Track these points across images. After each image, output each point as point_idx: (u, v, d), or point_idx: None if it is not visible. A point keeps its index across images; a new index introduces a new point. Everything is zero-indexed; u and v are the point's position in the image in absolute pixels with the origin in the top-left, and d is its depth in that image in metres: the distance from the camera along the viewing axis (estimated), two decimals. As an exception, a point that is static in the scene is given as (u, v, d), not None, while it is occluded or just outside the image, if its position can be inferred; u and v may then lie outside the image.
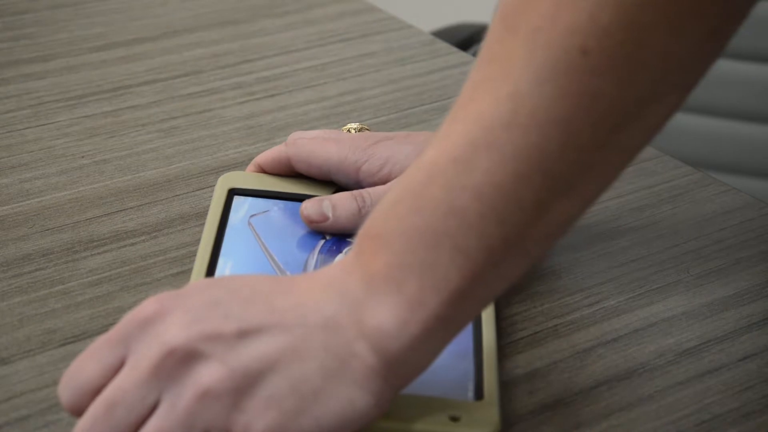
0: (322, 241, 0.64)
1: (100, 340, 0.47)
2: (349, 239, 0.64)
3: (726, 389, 0.56)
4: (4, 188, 0.71)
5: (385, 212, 0.47)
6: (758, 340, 0.60)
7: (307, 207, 0.64)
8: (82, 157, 0.75)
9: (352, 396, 0.46)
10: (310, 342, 0.46)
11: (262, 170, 0.68)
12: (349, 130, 0.72)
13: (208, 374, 0.45)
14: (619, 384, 0.56)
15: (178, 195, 0.71)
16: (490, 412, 0.52)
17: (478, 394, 0.53)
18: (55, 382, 0.55)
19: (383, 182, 0.65)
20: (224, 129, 0.79)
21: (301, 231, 0.64)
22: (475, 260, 0.45)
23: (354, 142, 0.66)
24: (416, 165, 0.47)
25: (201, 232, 0.65)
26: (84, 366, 0.47)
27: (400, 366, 0.47)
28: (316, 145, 0.67)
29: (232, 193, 0.66)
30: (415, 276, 0.46)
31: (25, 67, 0.88)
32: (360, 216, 0.64)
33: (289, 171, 0.68)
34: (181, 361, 0.45)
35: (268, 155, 0.68)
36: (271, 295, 0.48)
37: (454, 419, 0.51)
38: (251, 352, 0.46)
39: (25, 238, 0.66)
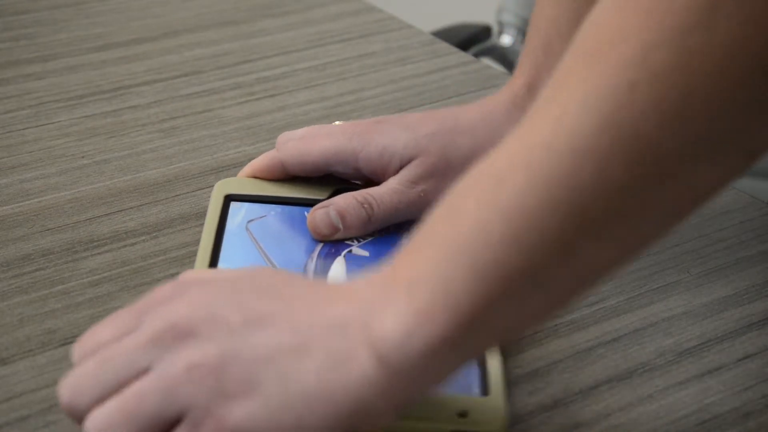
0: (320, 245, 0.64)
1: (121, 310, 0.49)
2: (347, 242, 0.64)
3: (726, 389, 0.56)
4: (4, 188, 0.71)
5: (426, 222, 0.46)
6: (758, 340, 0.60)
7: (316, 219, 0.64)
8: (82, 157, 0.75)
9: (341, 403, 0.45)
10: (313, 342, 0.46)
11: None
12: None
13: (201, 352, 0.46)
14: (619, 384, 0.56)
15: (178, 195, 0.71)
16: (497, 407, 0.52)
17: (485, 390, 0.53)
18: (55, 382, 0.55)
19: (384, 169, 0.65)
20: (224, 129, 0.79)
21: (298, 235, 0.64)
22: (489, 286, 0.43)
23: (346, 131, 0.66)
24: (466, 174, 0.45)
25: (201, 232, 0.65)
26: (100, 329, 0.49)
27: (400, 381, 0.45)
28: (307, 143, 0.66)
29: (229, 199, 0.66)
30: (429, 289, 0.44)
31: (25, 67, 0.88)
32: (370, 223, 0.64)
33: (284, 176, 0.67)
34: (179, 335, 0.46)
35: (261, 163, 0.67)
36: (294, 297, 0.48)
37: (462, 415, 0.51)
38: (250, 341, 0.46)
39: (25, 238, 0.66)
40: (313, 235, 0.64)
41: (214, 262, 0.61)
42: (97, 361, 0.47)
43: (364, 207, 0.63)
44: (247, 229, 0.64)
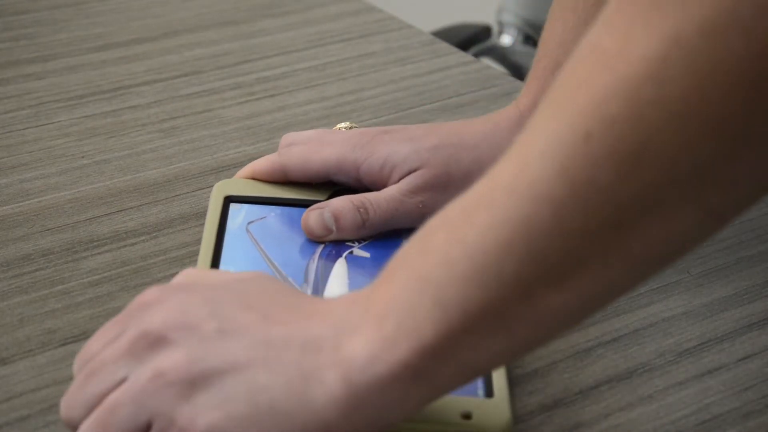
0: (321, 246, 0.64)
1: (109, 321, 0.50)
2: (348, 243, 0.64)
3: (726, 389, 0.56)
4: (4, 188, 0.71)
5: (407, 246, 0.47)
6: (758, 340, 0.60)
7: (309, 219, 0.64)
8: (82, 157, 0.75)
9: (307, 421, 0.45)
10: (285, 357, 0.46)
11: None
12: (340, 130, 0.71)
13: (169, 360, 0.46)
14: (619, 384, 0.56)
15: (178, 195, 0.71)
16: (501, 408, 0.52)
17: (489, 391, 0.53)
18: (55, 382, 0.55)
19: (384, 181, 0.65)
20: (224, 129, 0.79)
21: (299, 236, 0.64)
22: (450, 318, 0.43)
23: (350, 140, 0.66)
24: (450, 202, 0.46)
25: (201, 232, 0.65)
26: (92, 342, 0.50)
27: (364, 403, 0.45)
28: (310, 151, 0.66)
29: (228, 200, 0.66)
30: (395, 315, 0.45)
31: (25, 67, 0.88)
32: (364, 228, 0.64)
33: (284, 180, 0.67)
34: (151, 344, 0.47)
35: (262, 167, 0.67)
36: (274, 310, 0.48)
37: (466, 417, 0.51)
38: (220, 351, 0.46)
39: (25, 238, 0.66)
40: (306, 235, 0.64)
41: (215, 264, 0.61)
42: (84, 375, 0.48)
43: (359, 211, 0.64)
44: (247, 230, 0.64)
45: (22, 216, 0.68)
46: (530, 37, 1.77)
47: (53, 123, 0.80)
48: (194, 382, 0.46)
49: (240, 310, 0.48)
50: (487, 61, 1.87)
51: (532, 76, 0.68)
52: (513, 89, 0.87)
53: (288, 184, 0.67)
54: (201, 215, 0.69)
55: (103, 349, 0.49)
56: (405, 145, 0.65)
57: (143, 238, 0.67)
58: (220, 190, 0.67)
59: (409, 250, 0.46)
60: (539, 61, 0.68)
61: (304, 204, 0.66)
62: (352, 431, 0.46)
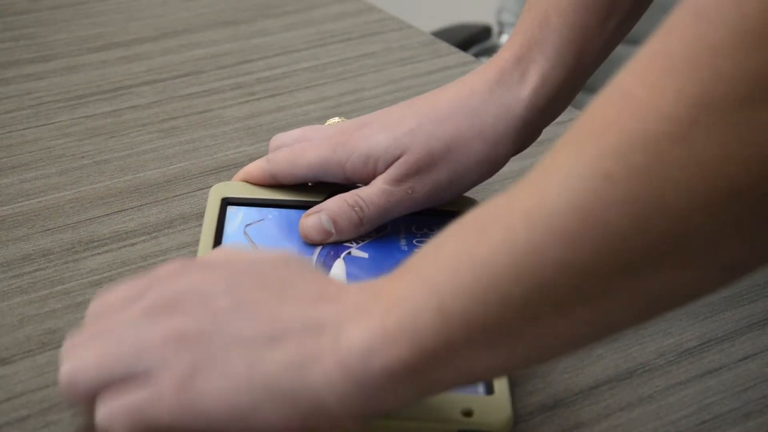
0: (319, 247, 0.64)
1: (134, 279, 0.52)
2: (347, 244, 0.64)
3: (726, 389, 0.56)
4: (4, 188, 0.71)
5: (422, 249, 0.47)
6: (758, 340, 0.60)
7: (306, 225, 0.64)
8: (83, 157, 0.75)
9: (299, 400, 0.46)
10: (288, 337, 0.47)
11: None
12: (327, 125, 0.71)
13: (181, 325, 0.48)
14: (619, 384, 0.56)
15: (178, 195, 0.71)
16: (502, 406, 0.52)
17: (490, 388, 0.53)
18: (55, 382, 0.55)
19: (371, 176, 0.65)
20: (224, 129, 0.79)
21: (297, 238, 0.64)
22: (451, 328, 0.44)
23: (330, 140, 0.66)
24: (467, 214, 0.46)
25: (200, 233, 0.65)
26: (113, 293, 0.51)
27: (359, 391, 0.46)
28: (295, 155, 0.66)
29: (226, 202, 0.66)
30: (399, 313, 0.45)
31: (25, 67, 0.88)
32: (362, 225, 0.64)
33: (276, 184, 0.67)
34: (167, 309, 0.49)
35: (253, 173, 0.68)
36: (289, 290, 0.49)
37: (467, 414, 0.52)
38: (227, 325, 0.48)
39: (25, 238, 0.66)
40: (305, 241, 0.64)
41: None
42: (97, 329, 0.50)
43: (354, 210, 0.64)
44: (245, 233, 0.64)
45: (22, 216, 0.68)
46: (530, 37, 1.76)
47: (53, 123, 0.80)
48: (199, 350, 0.47)
49: (255, 289, 0.49)
50: (487, 61, 1.86)
51: (517, 30, 0.66)
52: (513, 89, 0.87)
53: (283, 185, 0.67)
54: (201, 215, 0.69)
55: (119, 307, 0.50)
56: (383, 135, 0.65)
57: (143, 238, 0.67)
58: (217, 192, 0.67)
59: (423, 253, 0.47)
60: (528, 12, 0.66)
61: (302, 206, 0.66)
62: (348, 416, 0.46)
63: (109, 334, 0.49)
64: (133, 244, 0.66)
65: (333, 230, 0.64)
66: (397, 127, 0.65)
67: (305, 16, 0.99)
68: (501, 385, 0.53)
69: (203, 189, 0.72)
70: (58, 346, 0.57)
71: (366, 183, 0.65)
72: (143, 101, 0.83)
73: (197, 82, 0.86)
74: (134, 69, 0.88)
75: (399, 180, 0.64)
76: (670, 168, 0.39)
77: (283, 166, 0.66)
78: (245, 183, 0.68)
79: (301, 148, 0.66)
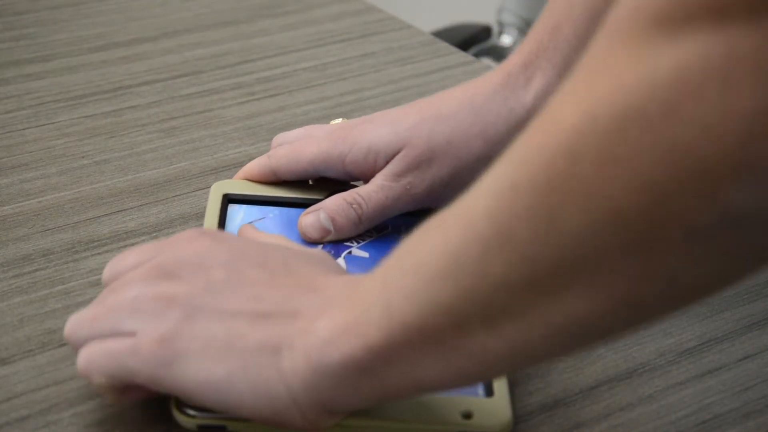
0: (320, 247, 0.64)
1: (152, 243, 0.55)
2: (347, 243, 0.64)
3: (726, 389, 0.56)
4: (4, 188, 0.71)
5: (400, 246, 0.48)
6: (758, 340, 0.60)
7: (305, 224, 0.64)
8: (82, 157, 0.75)
9: (271, 379, 0.48)
10: (270, 317, 0.49)
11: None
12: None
13: (172, 290, 0.50)
14: (619, 384, 0.56)
15: (178, 195, 0.71)
16: (502, 408, 0.52)
17: (489, 390, 0.53)
18: (55, 382, 0.55)
19: (371, 170, 0.65)
20: (224, 129, 0.79)
21: (298, 237, 0.64)
22: (393, 330, 0.45)
23: (332, 135, 0.66)
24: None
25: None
26: (128, 256, 0.54)
27: (322, 381, 0.47)
28: (296, 150, 0.66)
29: (227, 199, 0.66)
30: (357, 309, 0.46)
31: (25, 67, 0.88)
32: (361, 223, 0.64)
33: (276, 180, 0.68)
34: (163, 274, 0.51)
35: (253, 170, 0.68)
36: (282, 274, 0.51)
37: (467, 416, 0.52)
38: (216, 296, 0.50)
39: (25, 238, 0.66)
40: (304, 239, 0.64)
41: None
42: (109, 289, 0.53)
43: (353, 207, 0.64)
44: None
45: (22, 216, 0.68)
46: (530, 37, 1.77)
47: (53, 123, 0.80)
48: (186, 313, 0.49)
49: (252, 267, 0.51)
50: (487, 61, 1.87)
51: (529, 36, 0.67)
52: (513, 89, 0.87)
53: (284, 184, 0.68)
54: (201, 215, 0.69)
55: (130, 269, 0.53)
56: (385, 129, 0.65)
57: (143, 238, 0.67)
58: (218, 189, 0.67)
59: (396, 249, 0.47)
60: (542, 19, 0.66)
61: (303, 204, 0.66)
62: (314, 404, 0.48)
63: (110, 293, 0.52)
64: (133, 244, 0.66)
65: (332, 228, 0.64)
66: (399, 122, 0.65)
67: (305, 16, 0.99)
68: (501, 387, 0.53)
69: (203, 189, 0.72)
70: (58, 346, 0.57)
71: (366, 178, 0.66)
72: (143, 101, 0.83)
73: (197, 82, 0.86)
74: (134, 69, 0.88)
75: (398, 174, 0.64)
76: (558, 179, 0.39)
77: (284, 161, 0.67)
78: (246, 181, 0.68)
79: (301, 144, 0.67)
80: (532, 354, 0.44)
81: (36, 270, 0.63)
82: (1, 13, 0.97)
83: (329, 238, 0.64)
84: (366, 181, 0.66)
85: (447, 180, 0.64)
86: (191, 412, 0.51)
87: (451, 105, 0.65)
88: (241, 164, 0.71)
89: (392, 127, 0.65)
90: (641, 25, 0.37)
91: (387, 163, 0.64)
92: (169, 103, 0.83)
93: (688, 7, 0.36)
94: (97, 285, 0.62)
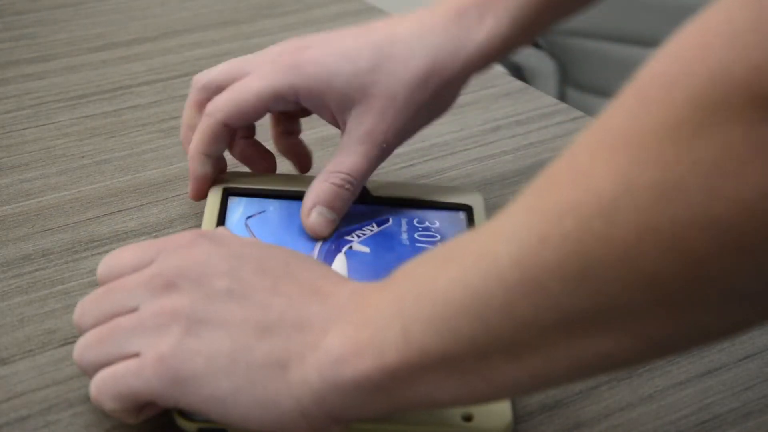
0: (320, 242, 0.63)
1: (148, 241, 0.54)
2: (347, 237, 0.64)
3: (726, 389, 0.56)
4: (4, 188, 0.71)
5: (413, 261, 0.47)
6: (758, 340, 0.60)
7: (313, 225, 0.63)
8: (82, 157, 0.75)
9: (280, 393, 0.47)
10: (276, 328, 0.48)
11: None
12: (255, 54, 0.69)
13: (174, 303, 0.49)
14: (619, 384, 0.56)
15: (178, 195, 0.71)
16: (502, 410, 0.52)
17: None
18: (55, 382, 0.55)
19: (327, 103, 0.63)
20: (224, 129, 0.79)
21: (298, 231, 0.64)
22: (411, 351, 0.44)
23: (276, 63, 0.63)
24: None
25: (202, 223, 0.65)
26: (125, 255, 0.53)
27: (334, 395, 0.46)
28: (238, 93, 0.63)
29: (227, 192, 0.66)
30: (372, 327, 0.46)
31: (25, 67, 0.88)
32: (354, 195, 0.64)
33: (229, 137, 0.65)
34: (165, 285, 0.50)
35: (206, 135, 0.64)
36: (286, 282, 0.50)
37: (467, 419, 0.51)
38: (220, 307, 0.49)
39: (25, 238, 0.66)
40: (314, 238, 0.64)
41: None
42: (104, 290, 0.52)
43: (345, 188, 0.64)
44: (246, 225, 0.64)
45: (22, 216, 0.68)
46: (530, 37, 1.76)
47: (53, 123, 0.80)
48: (189, 328, 0.48)
49: (254, 274, 0.50)
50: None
51: None
52: (513, 89, 0.87)
53: (283, 176, 0.67)
54: (201, 215, 0.69)
55: (127, 271, 0.52)
56: (342, 64, 0.63)
57: (143, 238, 0.67)
58: (218, 182, 0.67)
59: (406, 268, 0.47)
60: None
61: (302, 196, 0.66)
62: (324, 417, 0.47)
63: (110, 304, 0.51)
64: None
65: (335, 216, 0.64)
66: (356, 60, 0.63)
67: (305, 16, 0.99)
68: None
69: (203, 189, 0.72)
70: (58, 346, 0.57)
71: (318, 111, 0.65)
72: (143, 101, 0.83)
73: (197, 82, 0.86)
74: (134, 69, 0.88)
75: (369, 134, 0.63)
76: (591, 240, 0.39)
77: (229, 108, 0.63)
78: (242, 173, 0.68)
79: (241, 84, 0.64)
80: (552, 382, 0.44)
81: (36, 270, 0.63)
82: (1, 13, 0.97)
83: (336, 224, 0.64)
84: (318, 112, 0.65)
85: (409, 125, 0.64)
86: (191, 415, 0.51)
87: (406, 41, 0.64)
88: (241, 164, 0.70)
89: (350, 66, 0.63)
90: (679, 103, 0.37)
91: (344, 102, 0.63)
92: (169, 103, 0.83)
93: (731, 93, 0.36)
94: (97, 285, 0.62)
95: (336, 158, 0.64)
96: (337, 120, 0.65)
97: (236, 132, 0.67)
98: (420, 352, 0.44)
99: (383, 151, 0.64)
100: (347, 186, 0.63)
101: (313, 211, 0.64)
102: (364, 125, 0.63)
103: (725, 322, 0.39)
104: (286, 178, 0.67)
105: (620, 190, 0.38)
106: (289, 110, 0.66)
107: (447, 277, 0.44)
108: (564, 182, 0.41)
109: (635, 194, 0.38)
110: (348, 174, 0.63)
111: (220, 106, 0.64)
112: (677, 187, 0.37)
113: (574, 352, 0.42)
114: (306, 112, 0.68)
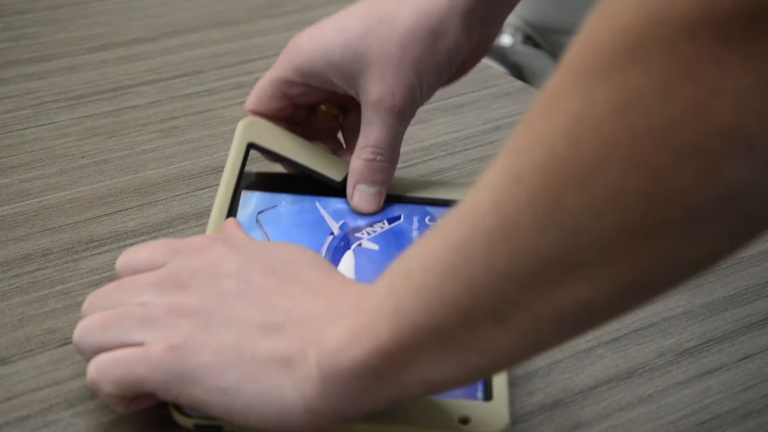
0: (330, 237, 0.64)
1: (166, 241, 0.55)
2: (357, 234, 0.64)
3: (726, 389, 0.56)
4: (4, 188, 0.71)
5: (406, 249, 0.48)
6: (758, 340, 0.60)
7: (360, 204, 0.65)
8: (82, 157, 0.75)
9: (284, 387, 0.48)
10: (283, 326, 0.49)
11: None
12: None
13: (184, 300, 0.51)
14: (619, 384, 0.56)
15: (178, 195, 0.71)
16: (499, 412, 0.52)
17: (488, 394, 0.53)
18: (55, 382, 0.55)
19: (326, 76, 0.65)
20: (224, 129, 0.79)
21: (309, 227, 0.64)
22: (403, 329, 0.44)
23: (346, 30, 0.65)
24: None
25: (201, 232, 0.65)
26: (141, 254, 0.55)
27: (335, 388, 0.47)
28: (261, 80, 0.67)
29: (250, 147, 0.67)
30: (366, 314, 0.46)
31: (25, 67, 0.88)
32: (393, 162, 0.65)
33: (288, 99, 0.67)
34: (176, 285, 0.52)
35: (265, 93, 0.67)
36: (293, 281, 0.51)
37: (464, 421, 0.51)
38: (227, 307, 0.50)
39: (25, 238, 0.66)
40: (363, 213, 0.65)
41: (232, 211, 0.63)
42: (115, 285, 0.53)
43: (377, 161, 0.65)
44: (257, 220, 0.64)
45: (22, 216, 0.68)
46: (530, 37, 1.77)
47: (53, 123, 0.80)
48: (198, 324, 0.50)
49: (262, 275, 0.52)
50: (487, 61, 1.86)
51: None
52: (513, 89, 0.87)
53: (309, 148, 0.68)
54: (201, 215, 0.69)
55: (142, 269, 0.53)
56: (333, 37, 0.64)
57: (143, 238, 0.67)
58: (244, 132, 0.67)
59: (403, 253, 0.47)
60: None
61: (318, 178, 0.66)
62: (329, 411, 0.47)
63: (121, 297, 0.52)
64: (133, 244, 0.66)
65: (377, 188, 0.65)
66: (346, 30, 0.64)
67: (305, 16, 0.99)
68: (500, 390, 0.53)
69: (203, 189, 0.72)
70: (58, 346, 0.57)
71: (333, 87, 0.65)
72: (143, 101, 0.83)
73: (197, 82, 0.86)
74: (134, 69, 0.88)
75: (380, 102, 0.64)
76: (559, 166, 0.39)
77: (252, 97, 0.67)
78: (273, 126, 0.68)
79: (265, 75, 0.67)
80: (541, 344, 0.44)
81: (36, 270, 0.63)
82: (1, 13, 0.97)
83: (383, 196, 0.66)
84: (336, 90, 0.66)
85: (416, 83, 0.64)
86: (188, 411, 0.51)
87: (391, 6, 0.64)
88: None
89: (340, 37, 0.64)
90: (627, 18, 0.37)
91: (346, 76, 0.64)
92: (169, 103, 0.83)
93: (685, 12, 0.36)
94: (97, 285, 0.62)
95: (362, 132, 0.65)
96: (352, 95, 0.66)
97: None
98: (411, 328, 0.44)
99: (398, 115, 0.64)
100: (378, 158, 0.64)
101: (355, 191, 0.65)
102: (371, 93, 0.64)
103: (693, 249, 0.39)
104: (311, 151, 0.67)
105: (584, 108, 0.38)
106: (313, 97, 0.67)
107: (433, 245, 0.44)
108: (536, 115, 0.41)
109: (596, 109, 0.38)
110: (374, 146, 0.64)
111: (249, 97, 0.68)
112: (633, 96, 0.37)
113: (555, 303, 0.41)
114: (335, 97, 0.68)
